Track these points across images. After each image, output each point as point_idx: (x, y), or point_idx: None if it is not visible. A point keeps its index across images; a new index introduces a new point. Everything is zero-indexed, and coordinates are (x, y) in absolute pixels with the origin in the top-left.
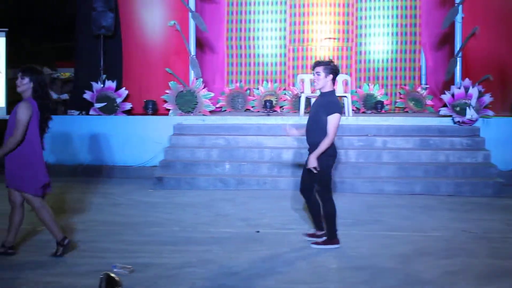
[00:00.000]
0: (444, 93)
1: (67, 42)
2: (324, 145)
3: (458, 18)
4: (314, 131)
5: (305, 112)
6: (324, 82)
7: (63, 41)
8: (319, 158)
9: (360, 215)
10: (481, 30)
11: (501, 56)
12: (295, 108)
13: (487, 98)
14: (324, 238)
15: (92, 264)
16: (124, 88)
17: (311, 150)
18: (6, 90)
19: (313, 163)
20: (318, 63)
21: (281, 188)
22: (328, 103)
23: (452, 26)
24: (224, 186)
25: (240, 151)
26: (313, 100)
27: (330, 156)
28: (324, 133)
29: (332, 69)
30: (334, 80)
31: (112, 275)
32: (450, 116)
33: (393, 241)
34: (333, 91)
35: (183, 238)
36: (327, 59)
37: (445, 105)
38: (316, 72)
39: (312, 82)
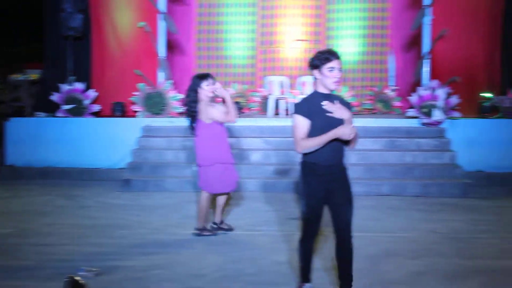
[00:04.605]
0: (412, 95)
1: (37, 44)
2: None
3: (427, 20)
4: (342, 146)
5: (274, 114)
6: None
7: (34, 42)
8: None
9: (328, 216)
10: (449, 32)
11: (469, 58)
12: (264, 109)
13: (454, 100)
14: None
15: (58, 267)
16: (92, 89)
17: (337, 171)
18: None
19: None
20: (338, 55)
21: (249, 189)
22: (346, 105)
23: (421, 28)
24: (192, 188)
25: None
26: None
27: None
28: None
29: None
30: None
31: (77, 278)
32: (418, 117)
33: (362, 242)
34: None
35: (151, 241)
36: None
37: (412, 107)
38: (339, 69)
39: (281, 84)
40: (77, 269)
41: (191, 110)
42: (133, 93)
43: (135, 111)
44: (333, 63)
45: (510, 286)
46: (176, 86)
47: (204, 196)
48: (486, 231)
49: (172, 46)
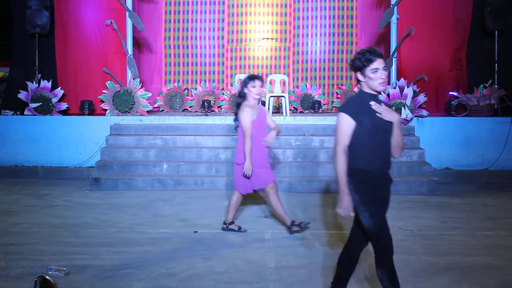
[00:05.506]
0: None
1: (3, 41)
2: None
3: (394, 19)
4: (390, 153)
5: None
6: None
7: (1, 40)
8: None
9: (298, 214)
10: (416, 31)
11: (435, 56)
12: (233, 108)
13: (422, 98)
14: None
15: (27, 267)
16: (59, 88)
17: (387, 179)
18: None
19: None
20: (380, 53)
21: (219, 188)
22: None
23: (388, 26)
24: (162, 186)
25: (178, 151)
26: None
27: None
28: None
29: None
30: None
31: (47, 277)
32: None
33: (332, 239)
34: None
35: (121, 239)
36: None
37: None
38: (383, 68)
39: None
40: (46, 268)
41: (235, 108)
42: (101, 91)
43: (104, 110)
44: (376, 64)
45: (478, 283)
46: (144, 84)
47: (235, 193)
48: (455, 228)
49: (140, 44)
